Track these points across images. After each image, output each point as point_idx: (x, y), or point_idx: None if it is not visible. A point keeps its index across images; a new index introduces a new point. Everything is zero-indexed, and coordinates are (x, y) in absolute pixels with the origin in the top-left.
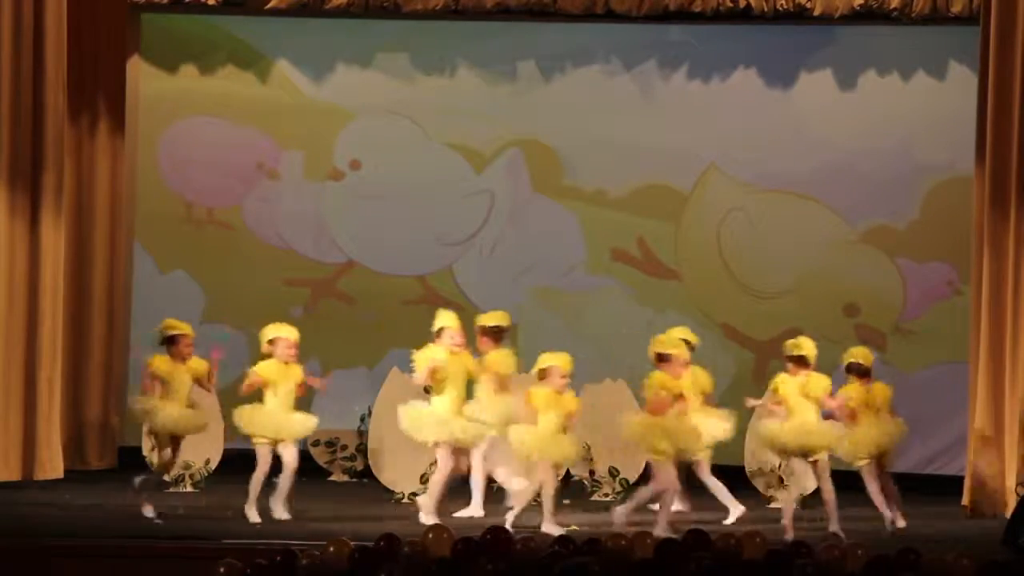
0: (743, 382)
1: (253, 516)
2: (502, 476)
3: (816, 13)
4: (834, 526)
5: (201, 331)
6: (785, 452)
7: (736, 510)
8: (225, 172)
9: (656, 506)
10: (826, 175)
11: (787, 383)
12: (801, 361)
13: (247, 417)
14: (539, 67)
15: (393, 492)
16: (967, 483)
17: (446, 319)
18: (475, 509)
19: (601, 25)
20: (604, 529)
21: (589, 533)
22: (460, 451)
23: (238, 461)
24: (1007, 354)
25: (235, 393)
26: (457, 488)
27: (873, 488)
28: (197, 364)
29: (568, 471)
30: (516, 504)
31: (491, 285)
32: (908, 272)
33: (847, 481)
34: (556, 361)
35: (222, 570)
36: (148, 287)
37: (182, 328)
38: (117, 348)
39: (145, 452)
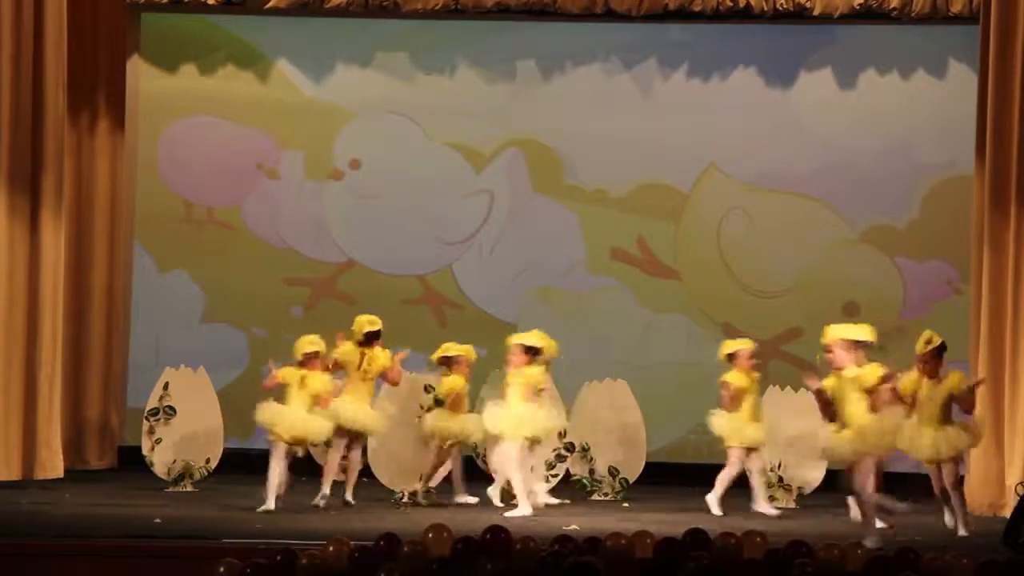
0: None
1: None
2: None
3: (816, 13)
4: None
5: (201, 331)
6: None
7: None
8: (225, 172)
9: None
10: (826, 175)
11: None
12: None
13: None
14: (539, 67)
15: (393, 492)
16: (967, 482)
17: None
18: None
19: (601, 25)
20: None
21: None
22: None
23: (238, 461)
24: (1007, 354)
25: (235, 393)
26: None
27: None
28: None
29: (568, 470)
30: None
31: (491, 285)
32: (908, 271)
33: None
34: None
35: (222, 570)
36: (148, 287)
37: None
38: (117, 348)
39: (145, 452)
